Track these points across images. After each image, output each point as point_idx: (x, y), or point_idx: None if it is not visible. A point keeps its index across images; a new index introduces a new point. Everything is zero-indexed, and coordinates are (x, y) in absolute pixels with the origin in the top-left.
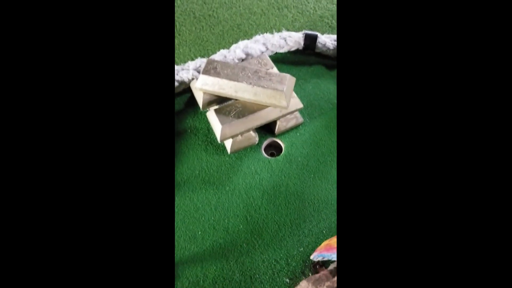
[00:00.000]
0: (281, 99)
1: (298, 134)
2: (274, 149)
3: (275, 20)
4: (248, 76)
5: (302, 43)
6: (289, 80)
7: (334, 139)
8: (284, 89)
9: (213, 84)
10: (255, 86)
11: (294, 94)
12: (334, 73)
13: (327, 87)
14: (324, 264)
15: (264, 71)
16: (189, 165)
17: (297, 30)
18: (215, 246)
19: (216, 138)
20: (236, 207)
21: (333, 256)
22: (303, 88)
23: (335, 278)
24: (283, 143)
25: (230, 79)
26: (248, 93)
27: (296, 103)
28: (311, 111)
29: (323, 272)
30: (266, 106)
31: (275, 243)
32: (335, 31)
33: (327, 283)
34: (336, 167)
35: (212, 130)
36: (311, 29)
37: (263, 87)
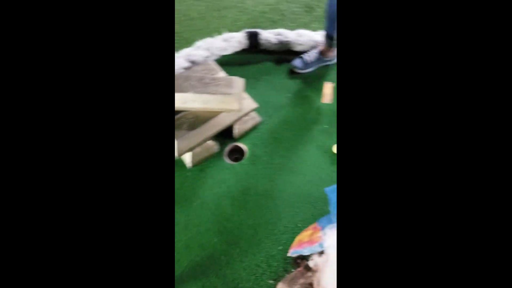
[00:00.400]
0: (232, 103)
1: (258, 134)
2: (237, 154)
3: (216, 22)
4: (193, 85)
5: (246, 42)
6: (238, 82)
7: (295, 132)
8: (234, 92)
9: None
10: (203, 94)
11: (246, 95)
12: (283, 67)
13: (278, 82)
14: (305, 257)
15: (209, 77)
16: None
17: (239, 29)
18: (192, 265)
19: None
20: (207, 221)
21: (305, 251)
22: (254, 87)
23: (309, 273)
24: (245, 146)
25: (175, 91)
26: (197, 102)
27: (249, 103)
28: (267, 109)
29: (298, 269)
30: (219, 113)
31: (253, 248)
32: (278, 25)
33: (301, 281)
34: (302, 159)
35: None
36: (253, 27)
37: (211, 93)
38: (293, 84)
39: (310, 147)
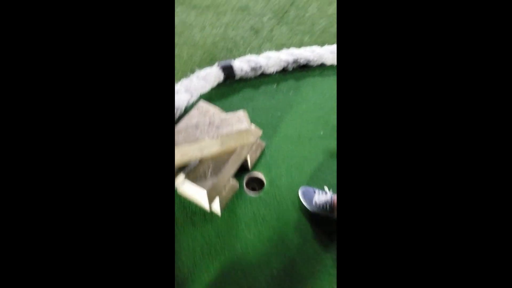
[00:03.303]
0: (249, 136)
1: (268, 158)
2: (254, 183)
3: (176, 64)
4: (206, 131)
5: (221, 76)
6: (244, 114)
7: (300, 145)
8: (245, 125)
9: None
10: (219, 137)
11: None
12: (262, 90)
13: (263, 104)
14: None
15: (217, 119)
16: (185, 251)
17: (199, 65)
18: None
19: (201, 207)
20: (251, 267)
21: None
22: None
23: None
24: (260, 173)
25: (190, 142)
26: (214, 146)
27: (256, 131)
28: (265, 131)
29: None
30: (234, 148)
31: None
32: (234, 52)
33: None
34: (315, 167)
35: (189, 202)
36: (211, 59)
37: (227, 134)
38: (277, 103)
39: (317, 154)
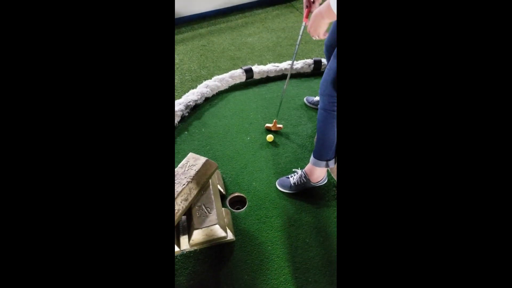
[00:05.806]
0: (211, 165)
1: (231, 178)
2: (237, 204)
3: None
4: (179, 181)
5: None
6: (192, 154)
7: (243, 156)
8: (204, 158)
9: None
10: (193, 178)
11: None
12: (178, 141)
13: (189, 150)
14: None
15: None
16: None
17: None
18: None
19: (218, 243)
20: (290, 247)
21: None
22: None
23: None
24: (236, 193)
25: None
26: (193, 188)
27: (212, 161)
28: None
29: None
30: (207, 183)
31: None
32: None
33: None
34: (260, 159)
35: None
36: None
37: (196, 172)
38: (200, 143)
39: (261, 154)
